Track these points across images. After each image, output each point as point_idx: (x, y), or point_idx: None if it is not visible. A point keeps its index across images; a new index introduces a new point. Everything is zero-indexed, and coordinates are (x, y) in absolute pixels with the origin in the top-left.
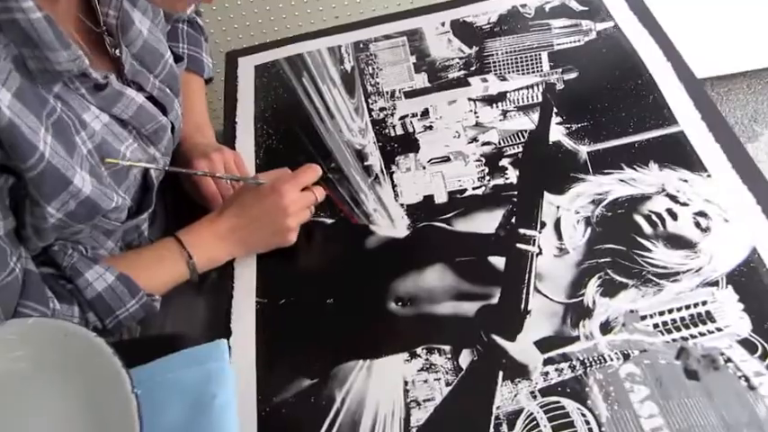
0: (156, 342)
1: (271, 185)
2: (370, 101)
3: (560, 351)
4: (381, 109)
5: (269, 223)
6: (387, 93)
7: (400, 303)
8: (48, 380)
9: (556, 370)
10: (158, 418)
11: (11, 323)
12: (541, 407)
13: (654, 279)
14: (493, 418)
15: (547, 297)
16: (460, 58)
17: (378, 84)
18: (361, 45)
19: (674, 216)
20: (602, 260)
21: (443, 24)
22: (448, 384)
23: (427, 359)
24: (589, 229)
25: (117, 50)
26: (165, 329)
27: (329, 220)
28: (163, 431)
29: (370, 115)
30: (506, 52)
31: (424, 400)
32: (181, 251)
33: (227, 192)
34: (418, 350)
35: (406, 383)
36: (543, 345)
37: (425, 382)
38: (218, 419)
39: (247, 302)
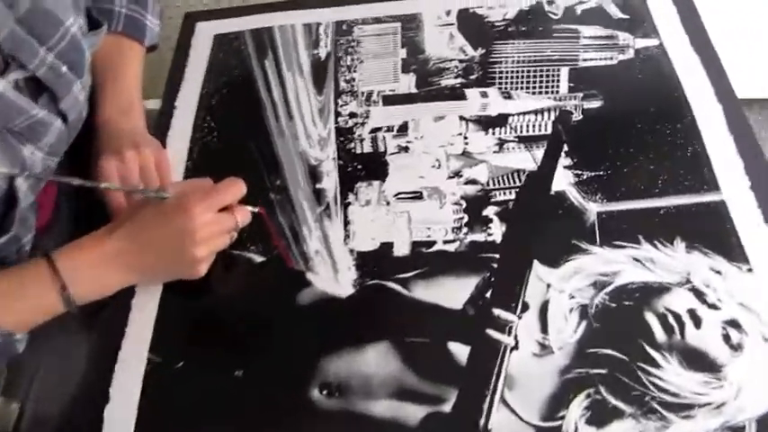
0: None
1: (177, 201)
2: (341, 101)
3: None
4: (351, 115)
5: (171, 250)
6: (362, 94)
7: (326, 392)
8: None
9: None
10: None
11: None
12: None
13: (659, 410)
14: None
15: (515, 413)
16: (461, 61)
17: (353, 81)
18: (345, 26)
19: (696, 322)
20: (596, 371)
21: (448, 14)
22: None
23: None
24: (584, 324)
25: None
26: (37, 372)
27: (259, 258)
28: None
29: (337, 121)
30: (518, 61)
31: None
32: (53, 278)
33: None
34: None
35: None
36: None
37: None
38: None
39: (137, 356)
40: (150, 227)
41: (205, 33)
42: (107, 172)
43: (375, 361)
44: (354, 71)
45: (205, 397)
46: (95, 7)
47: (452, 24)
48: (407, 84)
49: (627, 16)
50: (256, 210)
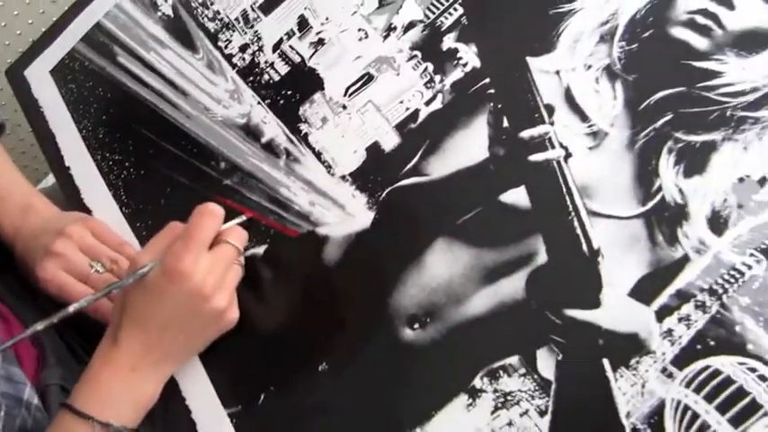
0: None
1: (162, 268)
2: (222, 43)
3: (672, 290)
4: (243, 48)
5: (189, 319)
6: (237, 20)
7: (417, 325)
8: None
9: (680, 321)
10: None
11: None
12: (687, 385)
13: (748, 115)
14: None
15: (612, 217)
16: None
17: (219, 14)
18: None
19: (727, 3)
20: (662, 121)
21: None
22: (542, 413)
23: (496, 390)
24: (619, 84)
25: None
26: None
27: (260, 249)
28: None
29: (232, 65)
30: None
31: None
32: (88, 424)
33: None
34: (477, 382)
35: None
36: (644, 291)
37: (510, 424)
38: None
39: (218, 421)
40: (151, 310)
41: (39, 76)
42: (52, 277)
43: (442, 263)
44: (212, 4)
45: (306, 411)
46: None
47: None
48: None
49: None
50: (244, 218)
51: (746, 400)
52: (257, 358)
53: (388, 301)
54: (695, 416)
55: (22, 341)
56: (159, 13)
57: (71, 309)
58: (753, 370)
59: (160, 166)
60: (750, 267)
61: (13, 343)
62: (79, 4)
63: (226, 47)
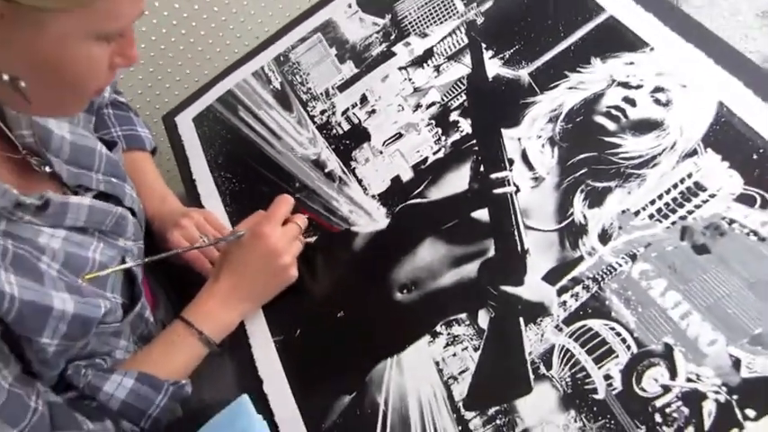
0: (187, 419)
1: (251, 233)
2: (309, 108)
3: (569, 277)
4: (322, 112)
5: (265, 269)
6: (321, 94)
7: (405, 291)
8: None
9: (572, 296)
10: None
11: None
12: (570, 336)
13: (634, 172)
14: (529, 364)
15: (539, 230)
16: (378, 32)
17: (310, 89)
18: (282, 58)
19: (632, 103)
20: (579, 173)
21: (350, 6)
22: (476, 350)
23: (449, 333)
24: (556, 149)
25: (46, 167)
26: (203, 400)
27: (313, 238)
28: None
29: (314, 122)
30: (418, 8)
31: (460, 373)
32: (190, 330)
33: (215, 255)
34: (437, 328)
35: (437, 364)
36: (551, 277)
37: (454, 355)
38: None
39: (266, 345)
40: (243, 260)
41: (185, 121)
42: (177, 240)
43: (428, 253)
44: (307, 83)
45: (326, 341)
46: (101, 138)
47: (357, 11)
48: (349, 69)
49: None
50: (306, 216)
51: (605, 347)
52: (299, 304)
53: (389, 275)
54: (572, 355)
55: (147, 279)
56: (271, 86)
57: (197, 245)
58: (612, 329)
59: (255, 183)
60: (621, 265)
61: (156, 259)
62: (219, 76)
63: (311, 110)
